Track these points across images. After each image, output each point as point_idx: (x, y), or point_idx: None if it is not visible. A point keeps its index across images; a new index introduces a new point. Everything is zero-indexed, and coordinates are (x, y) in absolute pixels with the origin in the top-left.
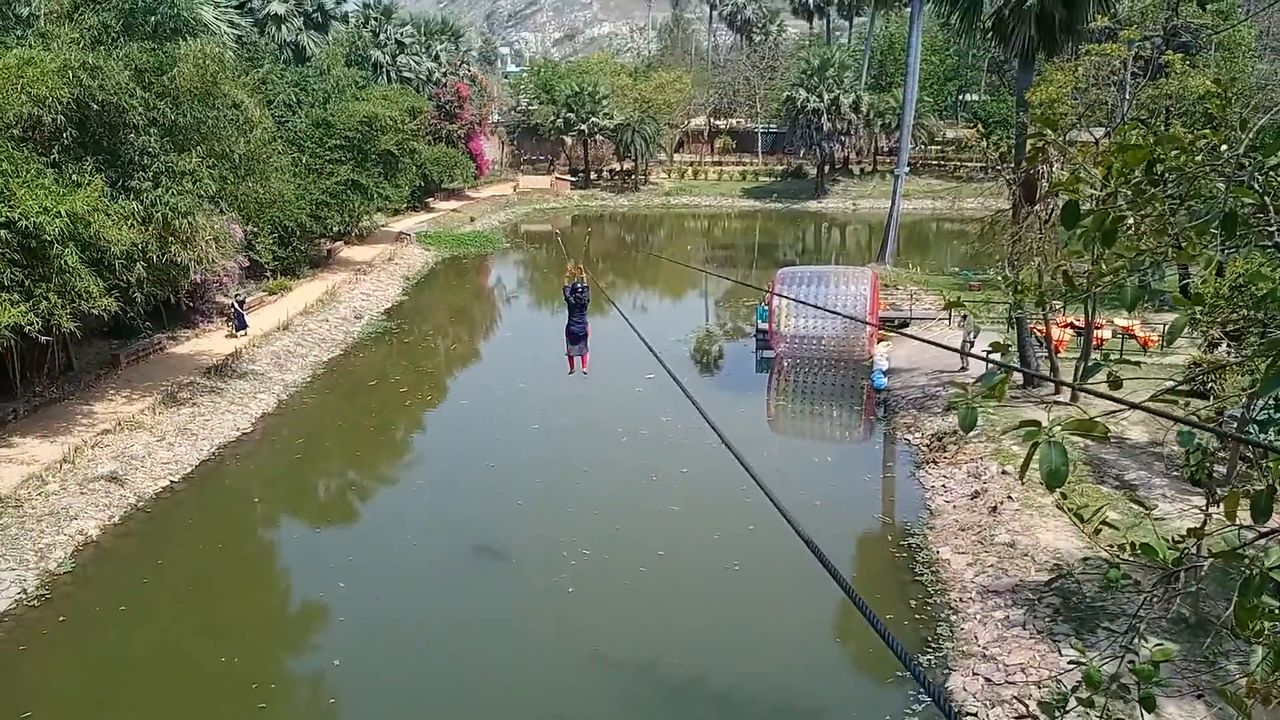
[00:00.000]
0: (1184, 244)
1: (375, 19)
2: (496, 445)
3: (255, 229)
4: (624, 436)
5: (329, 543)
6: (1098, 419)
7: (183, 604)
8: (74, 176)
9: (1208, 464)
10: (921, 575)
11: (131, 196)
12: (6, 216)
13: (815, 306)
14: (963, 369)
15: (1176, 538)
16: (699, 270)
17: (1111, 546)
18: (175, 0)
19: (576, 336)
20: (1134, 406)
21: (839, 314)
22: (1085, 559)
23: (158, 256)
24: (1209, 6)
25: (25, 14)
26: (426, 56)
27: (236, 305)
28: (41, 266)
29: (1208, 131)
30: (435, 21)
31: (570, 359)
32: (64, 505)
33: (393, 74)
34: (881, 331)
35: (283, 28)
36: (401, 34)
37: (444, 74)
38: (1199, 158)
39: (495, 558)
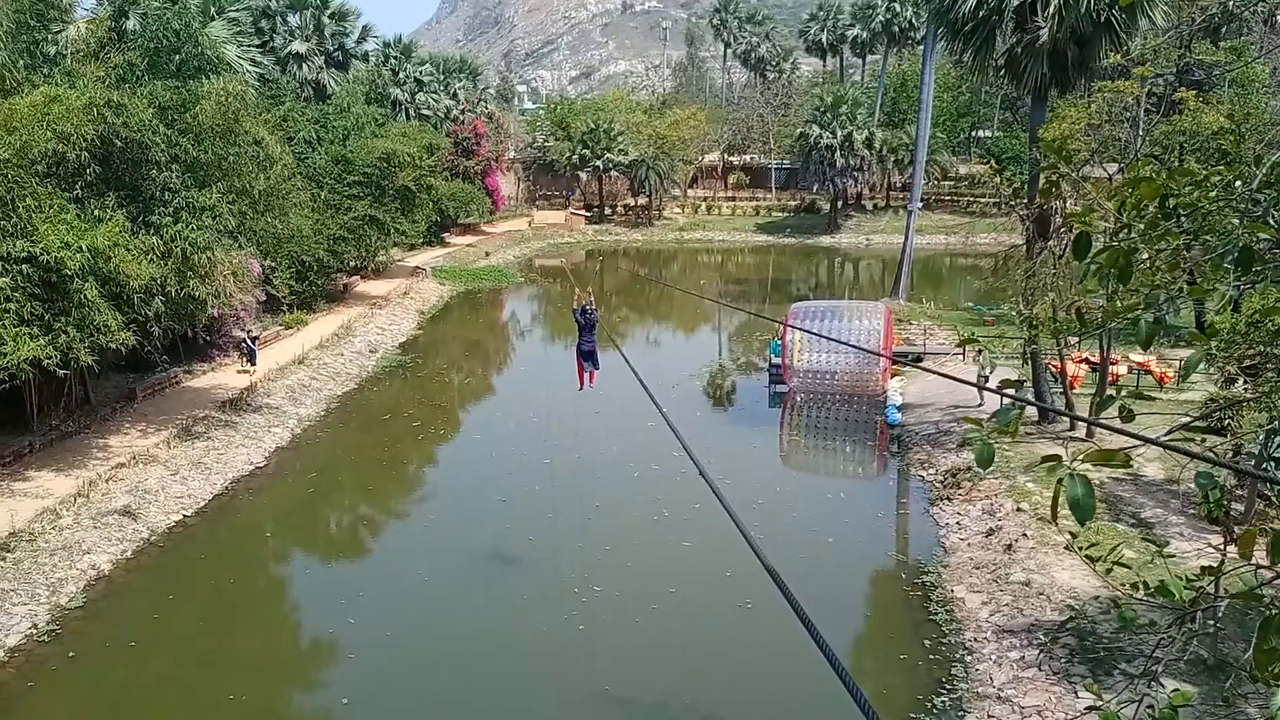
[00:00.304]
0: (1199, 279)
1: (395, 58)
2: (508, 479)
3: (273, 264)
4: (636, 471)
5: (340, 577)
6: (1115, 449)
7: (193, 639)
8: (96, 212)
9: (1225, 502)
10: (936, 614)
11: (152, 231)
12: (28, 251)
13: (830, 339)
14: (979, 405)
15: (1191, 576)
16: (712, 300)
17: (1125, 585)
18: (199, 39)
19: (585, 354)
20: (1152, 442)
21: (860, 348)
22: (1100, 599)
23: (176, 291)
24: (1222, 44)
25: (53, 53)
26: (445, 94)
27: (248, 340)
28: (61, 300)
29: (1222, 167)
30: (454, 60)
31: (580, 375)
32: (77, 539)
33: (411, 111)
34: (896, 366)
35: (304, 66)
36: (420, 72)
37: (462, 111)
38: (1213, 193)
39: (506, 593)
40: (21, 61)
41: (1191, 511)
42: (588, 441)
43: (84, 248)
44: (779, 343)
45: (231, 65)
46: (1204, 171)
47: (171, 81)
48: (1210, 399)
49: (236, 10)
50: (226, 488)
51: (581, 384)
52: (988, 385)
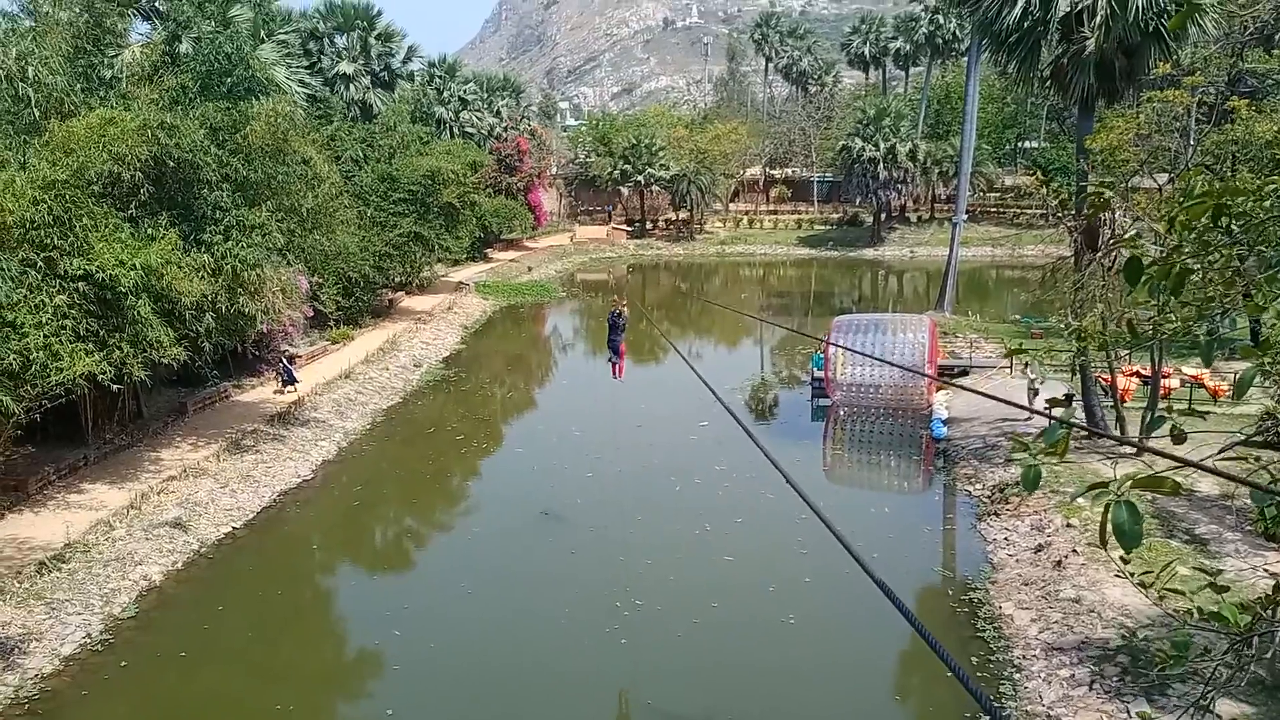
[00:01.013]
0: (1254, 293)
1: (440, 77)
2: (550, 492)
3: (320, 280)
4: (677, 485)
5: (385, 590)
6: (1165, 474)
7: (241, 650)
8: (149, 230)
9: None
10: (983, 631)
11: (203, 249)
12: (85, 269)
13: (868, 356)
14: (1028, 419)
15: (1248, 603)
16: (752, 317)
17: (1178, 611)
18: (250, 62)
19: (614, 351)
20: (1197, 465)
21: (902, 366)
22: (1154, 622)
23: (226, 307)
24: (1275, 52)
25: (108, 76)
26: (488, 112)
27: (285, 361)
28: (116, 317)
29: (1276, 177)
30: (497, 78)
31: (611, 366)
32: (130, 550)
33: (455, 129)
34: (940, 380)
35: (351, 86)
36: (464, 91)
37: (505, 129)
38: (1268, 203)
39: (548, 606)
40: (79, 85)
41: (1248, 528)
42: (629, 455)
43: (138, 265)
44: (821, 356)
45: (281, 86)
46: (1258, 182)
47: (222, 103)
48: (1266, 414)
49: (286, 33)
50: (274, 500)
51: (614, 374)
52: (1036, 399)
